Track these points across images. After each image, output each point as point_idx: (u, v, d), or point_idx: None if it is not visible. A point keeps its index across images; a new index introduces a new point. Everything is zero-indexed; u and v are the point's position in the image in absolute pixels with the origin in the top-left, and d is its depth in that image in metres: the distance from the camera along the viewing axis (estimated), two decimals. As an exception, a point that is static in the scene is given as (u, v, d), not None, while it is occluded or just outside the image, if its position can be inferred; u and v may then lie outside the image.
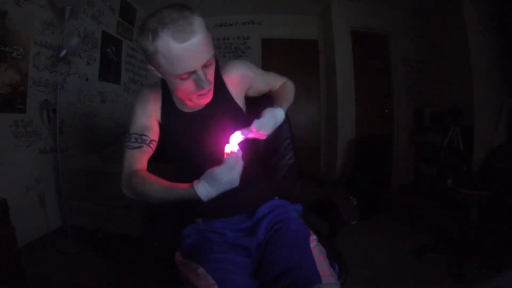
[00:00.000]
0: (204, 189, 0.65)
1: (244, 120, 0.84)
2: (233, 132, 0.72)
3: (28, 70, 1.87)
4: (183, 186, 0.68)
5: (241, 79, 0.87)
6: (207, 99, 0.76)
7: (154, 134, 0.82)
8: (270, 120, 0.77)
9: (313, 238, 0.76)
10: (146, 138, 0.80)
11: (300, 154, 1.21)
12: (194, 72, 0.66)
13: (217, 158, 0.71)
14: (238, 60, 0.90)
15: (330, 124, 3.56)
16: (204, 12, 0.69)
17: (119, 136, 2.62)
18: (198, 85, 0.68)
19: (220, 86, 0.84)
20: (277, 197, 0.94)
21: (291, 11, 3.52)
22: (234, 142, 0.70)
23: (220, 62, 0.86)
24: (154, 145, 0.82)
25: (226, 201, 0.74)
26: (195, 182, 0.66)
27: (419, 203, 2.88)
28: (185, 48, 0.61)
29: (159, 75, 0.72)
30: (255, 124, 0.74)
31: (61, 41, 1.89)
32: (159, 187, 0.72)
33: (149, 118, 0.82)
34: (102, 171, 1.98)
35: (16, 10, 1.75)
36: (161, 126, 0.84)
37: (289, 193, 1.10)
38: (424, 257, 1.79)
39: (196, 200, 0.66)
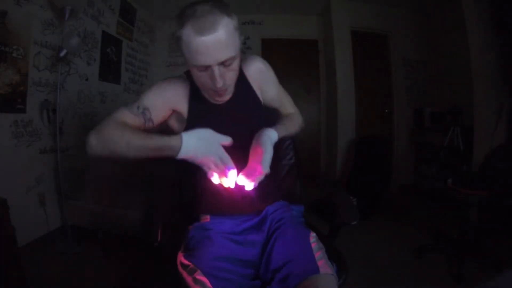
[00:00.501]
0: (189, 141, 0.67)
1: (263, 115, 0.88)
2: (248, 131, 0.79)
3: (28, 70, 1.87)
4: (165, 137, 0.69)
5: (258, 74, 0.89)
6: (223, 97, 0.77)
7: (157, 118, 0.81)
8: (271, 152, 0.75)
9: (312, 235, 0.78)
10: (148, 114, 0.78)
11: (300, 154, 1.21)
12: (209, 67, 0.67)
13: (239, 153, 0.74)
14: (258, 56, 0.92)
15: (330, 124, 3.57)
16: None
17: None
18: (213, 81, 0.69)
19: (242, 80, 0.85)
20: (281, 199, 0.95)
21: (291, 11, 3.53)
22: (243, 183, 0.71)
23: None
24: (149, 127, 0.80)
25: (237, 199, 0.76)
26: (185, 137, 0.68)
27: (419, 203, 2.88)
28: (203, 42, 0.64)
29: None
30: (265, 168, 0.71)
31: (61, 41, 1.89)
32: (140, 133, 0.70)
33: (163, 103, 0.80)
34: (102, 171, 1.98)
35: (16, 10, 1.75)
36: (187, 117, 0.83)
37: (289, 193, 1.10)
38: (424, 257, 1.79)
39: (171, 154, 0.67)
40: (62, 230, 2.02)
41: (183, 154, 0.68)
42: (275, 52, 3.64)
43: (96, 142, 0.69)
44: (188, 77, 0.83)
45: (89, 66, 2.51)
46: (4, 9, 1.68)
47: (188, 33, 0.64)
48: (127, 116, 0.76)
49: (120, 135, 0.68)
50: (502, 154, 1.89)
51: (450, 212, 2.29)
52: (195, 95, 0.82)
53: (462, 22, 2.38)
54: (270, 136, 0.78)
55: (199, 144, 0.68)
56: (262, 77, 0.89)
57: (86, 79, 2.48)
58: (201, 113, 0.82)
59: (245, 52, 3.67)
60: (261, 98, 0.90)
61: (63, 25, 1.93)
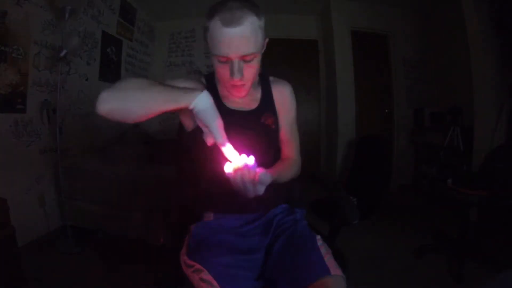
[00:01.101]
0: (207, 96, 0.62)
1: (278, 135, 0.89)
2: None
3: (28, 70, 1.87)
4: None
5: (281, 96, 0.90)
6: (239, 93, 0.78)
7: None
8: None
9: (318, 237, 0.78)
10: None
11: (300, 154, 1.21)
12: (230, 59, 0.69)
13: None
14: (289, 84, 0.93)
15: (330, 124, 3.56)
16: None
17: (119, 136, 2.62)
18: (231, 73, 0.71)
19: (268, 96, 0.88)
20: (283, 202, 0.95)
21: (291, 11, 3.53)
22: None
23: (272, 78, 0.92)
24: None
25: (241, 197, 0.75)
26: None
27: (419, 203, 2.88)
28: (227, 33, 0.66)
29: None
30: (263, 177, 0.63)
31: (61, 41, 1.89)
32: (152, 82, 0.64)
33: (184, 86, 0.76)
34: (102, 171, 1.98)
35: (16, 10, 1.75)
36: None
37: (289, 194, 1.10)
38: (424, 257, 1.79)
39: (187, 100, 0.62)
40: (62, 230, 2.02)
41: (200, 103, 0.62)
42: (275, 52, 3.64)
43: (108, 94, 0.60)
44: (206, 80, 0.83)
45: (89, 66, 2.51)
46: (4, 9, 1.68)
47: (214, 24, 0.68)
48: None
49: (136, 80, 0.64)
50: (502, 154, 1.89)
51: (450, 212, 2.29)
52: (213, 96, 0.80)
53: (462, 22, 2.38)
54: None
55: (209, 106, 0.63)
56: (283, 101, 0.90)
57: (86, 79, 2.48)
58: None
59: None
60: (279, 120, 0.89)
61: (63, 25, 1.93)
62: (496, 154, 1.93)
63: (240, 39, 0.67)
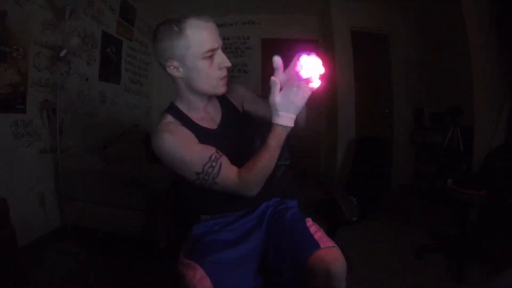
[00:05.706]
0: (285, 119, 0.69)
1: (254, 130, 0.93)
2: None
3: (28, 70, 1.87)
4: (271, 135, 0.71)
5: (239, 93, 0.95)
6: (225, 86, 0.79)
7: (212, 147, 0.76)
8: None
9: (308, 219, 0.84)
10: (215, 155, 0.73)
11: (300, 154, 1.21)
12: (215, 51, 0.73)
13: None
14: (235, 82, 0.98)
15: (330, 124, 3.57)
16: (205, 12, 0.75)
17: (119, 136, 2.62)
18: (221, 65, 0.74)
19: (225, 102, 0.90)
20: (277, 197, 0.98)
21: (291, 11, 3.52)
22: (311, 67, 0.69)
23: None
24: (222, 153, 0.76)
25: (237, 196, 0.78)
26: (274, 119, 0.69)
27: (419, 203, 2.88)
28: (209, 26, 0.72)
29: (177, 73, 0.74)
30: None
31: (61, 41, 1.89)
32: (264, 152, 0.71)
33: (196, 142, 0.75)
34: (102, 171, 1.98)
35: (16, 10, 1.75)
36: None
37: (286, 192, 1.10)
38: (424, 257, 1.79)
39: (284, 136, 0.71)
40: (62, 230, 2.02)
41: (291, 125, 0.71)
42: (275, 52, 3.62)
43: (258, 185, 0.76)
44: (175, 117, 0.80)
45: (89, 66, 2.51)
46: (4, 9, 1.68)
47: (193, 22, 0.70)
48: (228, 167, 0.75)
49: (264, 166, 0.74)
50: (502, 154, 1.89)
51: (450, 212, 2.29)
52: (192, 127, 0.79)
53: (462, 22, 2.38)
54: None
55: (291, 113, 0.70)
56: (241, 93, 0.95)
57: (86, 79, 2.48)
58: (206, 139, 0.78)
59: (244, 51, 3.67)
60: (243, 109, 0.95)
61: (63, 25, 1.93)
62: (496, 154, 1.93)
63: (216, 31, 0.73)
